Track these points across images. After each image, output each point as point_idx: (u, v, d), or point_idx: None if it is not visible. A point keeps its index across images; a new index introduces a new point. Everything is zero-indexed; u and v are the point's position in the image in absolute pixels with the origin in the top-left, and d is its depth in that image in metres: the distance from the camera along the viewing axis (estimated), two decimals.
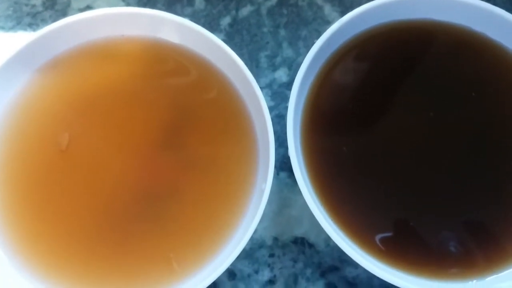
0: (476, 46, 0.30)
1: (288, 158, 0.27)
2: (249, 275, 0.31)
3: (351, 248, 0.26)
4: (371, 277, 0.30)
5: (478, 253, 0.27)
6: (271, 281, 0.31)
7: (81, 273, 0.27)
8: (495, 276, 0.27)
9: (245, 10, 0.36)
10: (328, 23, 0.36)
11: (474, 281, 0.27)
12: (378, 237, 0.27)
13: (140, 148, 0.29)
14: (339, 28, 0.29)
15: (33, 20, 0.36)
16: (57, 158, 0.28)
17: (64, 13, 0.36)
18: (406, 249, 0.27)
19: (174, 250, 0.27)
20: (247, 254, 0.31)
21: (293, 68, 0.35)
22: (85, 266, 0.27)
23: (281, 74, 0.35)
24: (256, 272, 0.31)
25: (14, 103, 0.29)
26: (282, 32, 0.36)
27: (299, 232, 0.32)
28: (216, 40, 0.28)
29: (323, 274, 0.31)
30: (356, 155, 0.29)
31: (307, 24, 0.36)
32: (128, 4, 0.37)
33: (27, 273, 0.27)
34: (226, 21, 0.36)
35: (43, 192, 0.28)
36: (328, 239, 0.31)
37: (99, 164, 0.29)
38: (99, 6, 0.36)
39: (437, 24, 0.30)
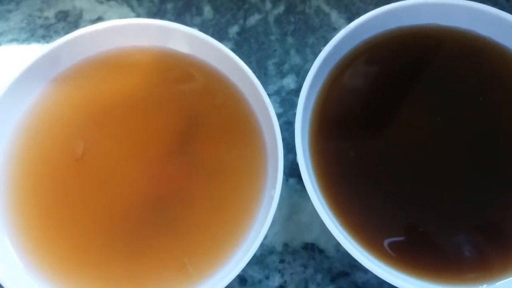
0: (482, 51, 0.30)
1: (297, 164, 0.27)
2: (260, 281, 0.31)
3: (361, 253, 0.26)
4: (382, 282, 0.30)
5: (493, 257, 0.27)
6: (282, 287, 0.31)
7: (95, 279, 0.27)
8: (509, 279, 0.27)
9: (253, 19, 0.37)
10: (335, 30, 0.37)
11: (485, 286, 0.27)
12: (388, 242, 0.27)
13: (153, 156, 0.29)
14: (346, 35, 0.29)
15: (46, 32, 0.37)
16: (73, 166, 0.29)
17: (76, 25, 0.37)
18: (416, 254, 0.27)
19: (187, 255, 0.28)
20: (257, 260, 0.32)
21: (301, 75, 0.36)
22: (99, 272, 0.28)
23: (289, 81, 0.35)
24: (267, 278, 0.31)
25: (29, 114, 0.30)
26: (290, 39, 0.36)
27: (309, 238, 0.32)
28: (225, 49, 0.29)
29: (333, 280, 0.31)
30: (364, 160, 0.29)
31: (314, 31, 0.37)
32: (138, 15, 0.37)
33: (41, 278, 0.27)
34: (234, 30, 0.37)
35: (59, 199, 0.29)
36: (338, 244, 0.31)
37: (112, 172, 0.29)
38: (110, 17, 0.37)
39: (443, 29, 0.31)
